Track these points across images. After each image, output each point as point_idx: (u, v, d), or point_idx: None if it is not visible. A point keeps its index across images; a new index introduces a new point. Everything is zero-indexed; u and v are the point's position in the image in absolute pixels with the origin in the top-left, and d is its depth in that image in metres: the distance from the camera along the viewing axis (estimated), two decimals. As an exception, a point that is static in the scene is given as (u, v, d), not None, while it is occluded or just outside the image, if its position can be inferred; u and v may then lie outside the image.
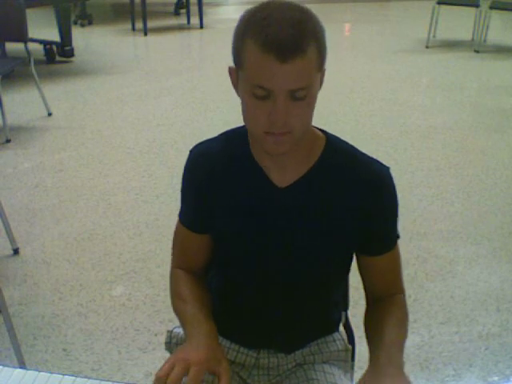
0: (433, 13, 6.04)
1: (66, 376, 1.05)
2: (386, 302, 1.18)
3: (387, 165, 1.13)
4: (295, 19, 0.94)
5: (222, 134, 1.18)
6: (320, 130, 1.14)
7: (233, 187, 1.13)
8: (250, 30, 0.95)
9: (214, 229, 1.18)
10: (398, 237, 1.18)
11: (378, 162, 1.13)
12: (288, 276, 1.16)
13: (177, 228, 1.24)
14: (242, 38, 0.96)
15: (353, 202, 1.09)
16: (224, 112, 4.27)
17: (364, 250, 1.16)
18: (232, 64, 1.03)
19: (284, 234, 1.12)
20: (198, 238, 1.21)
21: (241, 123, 1.14)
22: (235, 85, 1.04)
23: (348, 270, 1.24)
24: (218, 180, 1.14)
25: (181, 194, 1.22)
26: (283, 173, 1.10)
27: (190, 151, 1.18)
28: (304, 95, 0.96)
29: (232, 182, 1.13)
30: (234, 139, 1.15)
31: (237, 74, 1.01)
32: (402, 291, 1.22)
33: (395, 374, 0.99)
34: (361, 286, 1.23)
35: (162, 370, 0.95)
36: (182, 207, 1.23)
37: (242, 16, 0.99)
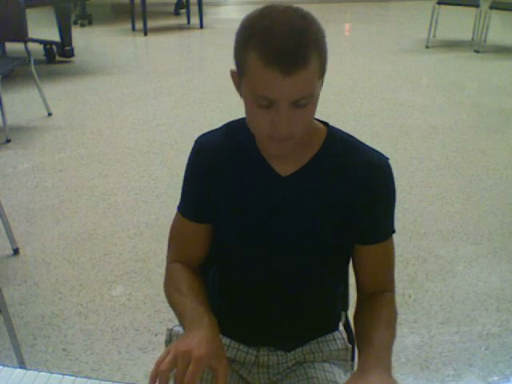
0: (433, 13, 6.04)
1: (66, 376, 1.05)
2: (376, 302, 1.18)
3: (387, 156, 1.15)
4: (297, 29, 0.94)
5: (225, 125, 1.20)
6: (321, 121, 1.16)
7: (236, 176, 1.15)
8: (252, 42, 0.95)
9: (216, 218, 1.19)
10: (393, 231, 1.19)
11: (377, 152, 1.14)
12: (289, 270, 1.17)
13: (175, 222, 1.24)
14: (245, 49, 0.96)
15: (352, 191, 1.11)
16: (224, 112, 4.27)
17: (357, 237, 1.16)
18: (233, 66, 1.04)
19: (286, 221, 1.13)
20: (198, 229, 1.21)
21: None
22: (238, 87, 1.05)
23: (347, 266, 1.24)
24: (222, 169, 1.15)
25: (183, 185, 1.23)
26: (286, 162, 1.12)
27: (195, 142, 1.20)
28: (307, 103, 0.98)
29: (235, 171, 1.15)
30: (237, 129, 1.17)
31: (239, 79, 1.02)
32: (392, 289, 1.22)
33: (383, 377, 0.99)
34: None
35: (164, 364, 0.94)
36: (182, 200, 1.23)
37: (244, 23, 0.99)
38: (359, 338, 1.14)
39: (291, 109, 0.97)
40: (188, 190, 1.22)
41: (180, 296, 1.15)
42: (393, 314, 1.17)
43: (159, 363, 0.95)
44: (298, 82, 0.94)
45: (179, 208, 1.24)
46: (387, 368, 1.02)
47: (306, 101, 0.97)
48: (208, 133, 1.21)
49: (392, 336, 1.13)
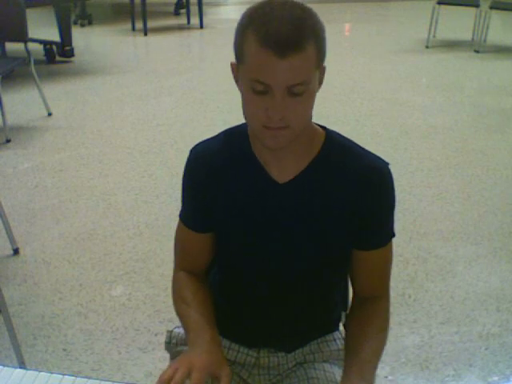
0: (433, 13, 6.04)
1: (66, 376, 1.05)
2: (369, 308, 1.18)
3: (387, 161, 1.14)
4: (295, 16, 0.96)
5: (222, 133, 1.19)
6: (320, 126, 1.15)
7: (233, 184, 1.14)
8: (251, 25, 0.97)
9: (215, 227, 1.18)
10: (393, 235, 1.18)
11: (377, 157, 1.13)
12: (288, 273, 1.17)
13: (178, 229, 1.25)
14: (244, 33, 0.98)
15: (351, 197, 1.10)
16: (224, 112, 4.27)
17: (356, 243, 1.16)
18: (234, 60, 1.04)
19: (284, 229, 1.13)
20: (200, 238, 1.21)
21: (241, 123, 1.14)
22: (237, 80, 1.06)
23: (347, 267, 1.24)
24: (219, 178, 1.14)
25: (182, 194, 1.22)
26: (283, 169, 1.11)
27: (190, 151, 1.19)
28: (302, 91, 0.97)
29: (232, 179, 1.14)
30: (234, 137, 1.17)
31: (238, 68, 1.03)
32: (386, 296, 1.22)
33: None
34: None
35: (165, 374, 0.96)
36: (182, 207, 1.23)
37: (245, 12, 1.01)
38: (348, 346, 1.14)
39: (286, 96, 0.97)
40: (187, 199, 1.22)
41: (185, 308, 1.16)
42: (384, 323, 1.18)
43: (162, 376, 0.97)
44: (292, 66, 0.94)
45: (181, 215, 1.23)
46: (369, 381, 1.03)
47: (302, 88, 0.97)
48: (203, 141, 1.20)
49: (380, 347, 1.13)
